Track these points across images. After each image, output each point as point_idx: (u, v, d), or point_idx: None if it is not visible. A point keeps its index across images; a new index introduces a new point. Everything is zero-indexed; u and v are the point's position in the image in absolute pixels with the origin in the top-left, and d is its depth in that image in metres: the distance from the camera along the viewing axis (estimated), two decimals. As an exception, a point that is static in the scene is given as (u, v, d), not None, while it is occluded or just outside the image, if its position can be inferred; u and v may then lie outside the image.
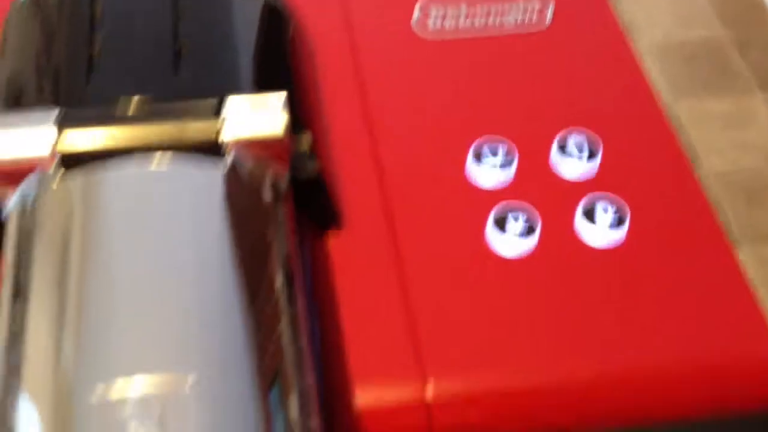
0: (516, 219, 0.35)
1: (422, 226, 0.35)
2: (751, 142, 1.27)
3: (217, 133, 0.32)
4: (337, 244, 0.35)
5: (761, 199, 1.21)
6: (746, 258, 1.17)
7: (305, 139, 0.34)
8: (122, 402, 0.25)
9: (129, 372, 0.26)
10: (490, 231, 0.35)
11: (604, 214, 0.35)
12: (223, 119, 0.32)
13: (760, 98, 1.31)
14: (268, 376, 0.28)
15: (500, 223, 0.35)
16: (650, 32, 1.37)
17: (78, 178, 0.31)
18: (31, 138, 0.31)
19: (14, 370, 0.27)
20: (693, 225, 0.35)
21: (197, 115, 0.32)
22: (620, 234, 0.34)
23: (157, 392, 0.26)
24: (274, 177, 0.32)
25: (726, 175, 1.23)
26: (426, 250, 0.35)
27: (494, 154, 0.37)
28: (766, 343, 0.33)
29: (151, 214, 0.30)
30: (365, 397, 0.32)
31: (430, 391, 0.32)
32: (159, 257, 0.29)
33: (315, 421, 0.28)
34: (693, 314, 0.33)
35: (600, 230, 0.34)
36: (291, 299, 0.30)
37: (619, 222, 0.34)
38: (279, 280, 0.30)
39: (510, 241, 0.34)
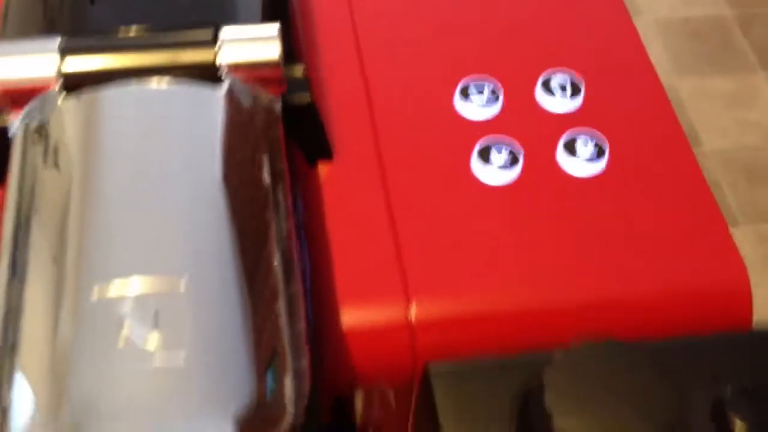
0: (499, 151, 0.36)
1: (410, 156, 0.36)
2: (754, 120, 1.28)
3: (214, 58, 0.33)
4: (326, 173, 0.36)
5: (762, 178, 1.22)
6: (746, 236, 1.18)
7: (298, 68, 0.35)
8: (118, 300, 0.27)
9: (125, 274, 0.27)
10: (475, 162, 0.36)
11: (584, 146, 0.36)
12: (220, 46, 0.33)
13: (763, 77, 1.32)
14: (259, 282, 0.29)
15: (484, 155, 0.36)
16: (654, 8, 1.37)
17: (79, 98, 0.32)
18: (34, 64, 0.33)
19: (19, 272, 0.29)
20: (671, 159, 0.36)
21: (195, 41, 0.33)
22: (600, 166, 0.36)
23: (152, 292, 0.27)
24: (270, 102, 0.34)
25: (727, 153, 1.24)
26: (413, 179, 0.36)
27: (480, 91, 0.38)
28: (736, 269, 0.34)
29: (151, 129, 0.31)
30: (350, 318, 0.33)
31: (413, 313, 0.34)
32: (157, 169, 0.30)
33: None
34: (669, 241, 0.34)
35: (580, 162, 0.35)
36: (282, 218, 0.31)
37: (598, 154, 0.36)
38: (271, 199, 0.31)
39: (493, 172, 0.35)
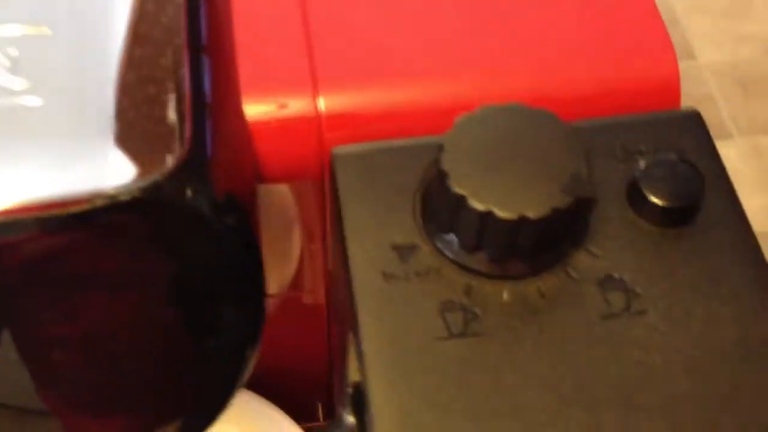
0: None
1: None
2: (749, 32, 1.25)
3: None
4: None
5: (757, 91, 1.19)
6: (741, 149, 1.16)
7: None
8: None
9: None
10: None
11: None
12: None
13: (759, -13, 1.28)
14: (142, 43, 0.27)
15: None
16: None
17: None
18: None
19: None
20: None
21: None
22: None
23: (18, 36, 0.26)
24: None
25: (722, 65, 1.21)
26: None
27: None
28: (664, 53, 0.32)
29: None
30: (255, 109, 0.32)
31: (321, 104, 0.32)
32: None
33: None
34: (598, 29, 0.32)
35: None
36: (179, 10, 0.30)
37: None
38: None
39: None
